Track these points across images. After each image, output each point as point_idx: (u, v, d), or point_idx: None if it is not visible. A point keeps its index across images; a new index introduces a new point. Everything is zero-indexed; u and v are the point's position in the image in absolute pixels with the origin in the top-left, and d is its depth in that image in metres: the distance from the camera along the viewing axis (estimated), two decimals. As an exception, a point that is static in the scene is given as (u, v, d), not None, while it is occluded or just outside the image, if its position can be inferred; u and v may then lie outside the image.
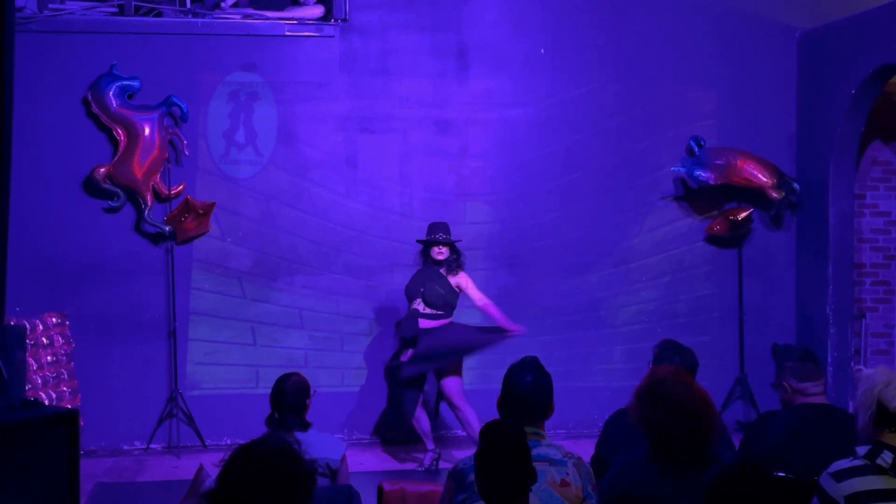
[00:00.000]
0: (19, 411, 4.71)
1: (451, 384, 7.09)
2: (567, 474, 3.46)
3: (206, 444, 7.69)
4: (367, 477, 6.32)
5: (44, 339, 7.19)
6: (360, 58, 8.05)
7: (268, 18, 7.94)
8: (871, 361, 8.21)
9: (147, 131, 7.54)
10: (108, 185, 7.57)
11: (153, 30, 7.76)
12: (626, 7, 8.30)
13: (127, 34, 7.69)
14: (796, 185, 8.20)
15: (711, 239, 8.38)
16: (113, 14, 7.81)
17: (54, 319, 7.34)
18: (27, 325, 6.87)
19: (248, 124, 7.90)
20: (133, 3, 7.74)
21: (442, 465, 7.04)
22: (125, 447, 7.72)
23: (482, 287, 7.37)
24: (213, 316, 7.89)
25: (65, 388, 7.25)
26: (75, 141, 7.65)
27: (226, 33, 7.84)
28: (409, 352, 7.03)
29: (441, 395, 7.27)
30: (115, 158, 7.58)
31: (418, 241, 7.29)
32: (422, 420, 7.19)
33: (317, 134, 8.01)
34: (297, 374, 4.64)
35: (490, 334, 7.12)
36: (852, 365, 8.02)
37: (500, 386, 3.70)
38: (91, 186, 7.63)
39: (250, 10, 7.99)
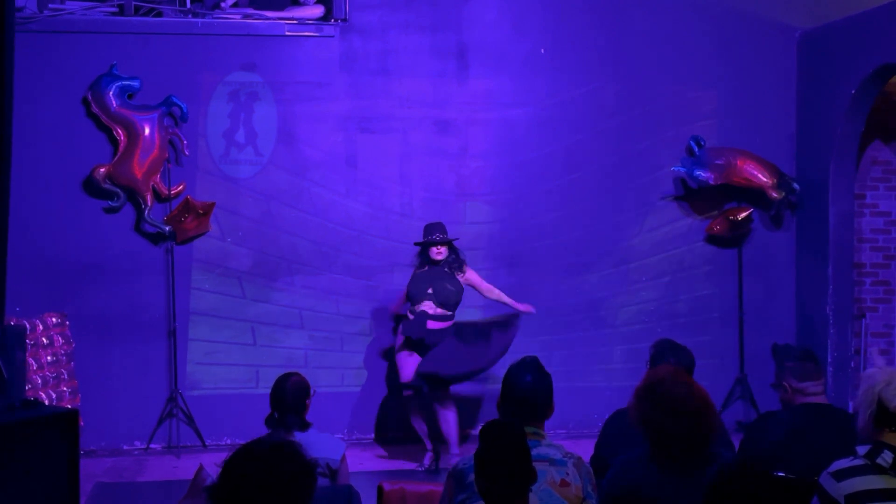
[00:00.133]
0: (19, 411, 4.72)
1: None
2: (567, 474, 3.46)
3: (206, 444, 7.69)
4: (367, 477, 6.31)
5: (44, 339, 7.19)
6: (360, 58, 8.04)
7: (268, 18, 7.94)
8: (871, 361, 8.20)
9: (147, 131, 7.54)
10: (108, 185, 7.57)
11: (153, 30, 7.76)
12: (626, 7, 8.29)
13: (127, 34, 7.69)
14: (796, 185, 8.19)
15: (711, 239, 8.37)
16: (113, 14, 7.81)
17: (54, 319, 7.34)
18: (27, 325, 6.87)
19: (247, 124, 7.90)
20: (133, 3, 7.74)
21: (442, 465, 7.04)
22: (125, 447, 7.72)
23: (482, 287, 7.38)
24: (213, 316, 7.89)
25: (65, 388, 7.25)
26: (75, 141, 7.64)
27: (226, 33, 7.84)
28: (413, 365, 6.99)
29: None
30: (115, 158, 7.58)
31: (416, 244, 7.29)
32: (421, 420, 7.19)
33: (317, 134, 8.01)
34: (297, 374, 4.63)
35: (498, 333, 7.10)
36: (851, 364, 8.04)
37: (500, 386, 3.71)
38: (91, 186, 7.62)
39: (250, 10, 7.99)
